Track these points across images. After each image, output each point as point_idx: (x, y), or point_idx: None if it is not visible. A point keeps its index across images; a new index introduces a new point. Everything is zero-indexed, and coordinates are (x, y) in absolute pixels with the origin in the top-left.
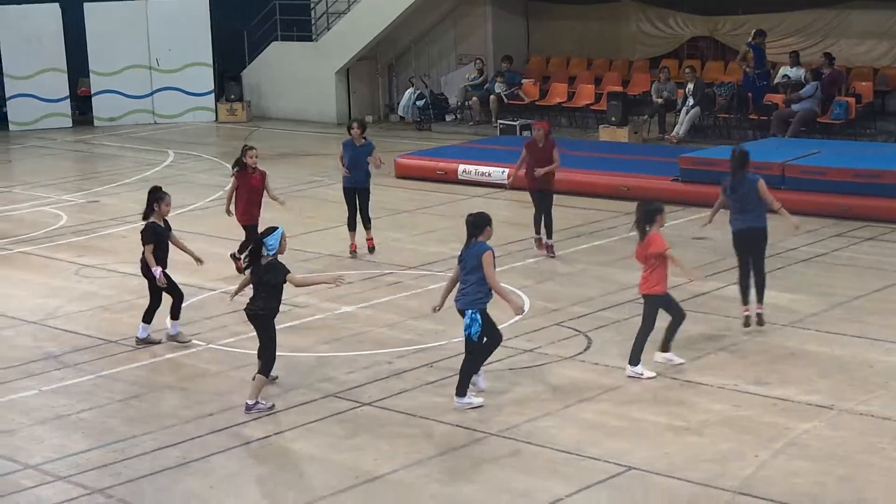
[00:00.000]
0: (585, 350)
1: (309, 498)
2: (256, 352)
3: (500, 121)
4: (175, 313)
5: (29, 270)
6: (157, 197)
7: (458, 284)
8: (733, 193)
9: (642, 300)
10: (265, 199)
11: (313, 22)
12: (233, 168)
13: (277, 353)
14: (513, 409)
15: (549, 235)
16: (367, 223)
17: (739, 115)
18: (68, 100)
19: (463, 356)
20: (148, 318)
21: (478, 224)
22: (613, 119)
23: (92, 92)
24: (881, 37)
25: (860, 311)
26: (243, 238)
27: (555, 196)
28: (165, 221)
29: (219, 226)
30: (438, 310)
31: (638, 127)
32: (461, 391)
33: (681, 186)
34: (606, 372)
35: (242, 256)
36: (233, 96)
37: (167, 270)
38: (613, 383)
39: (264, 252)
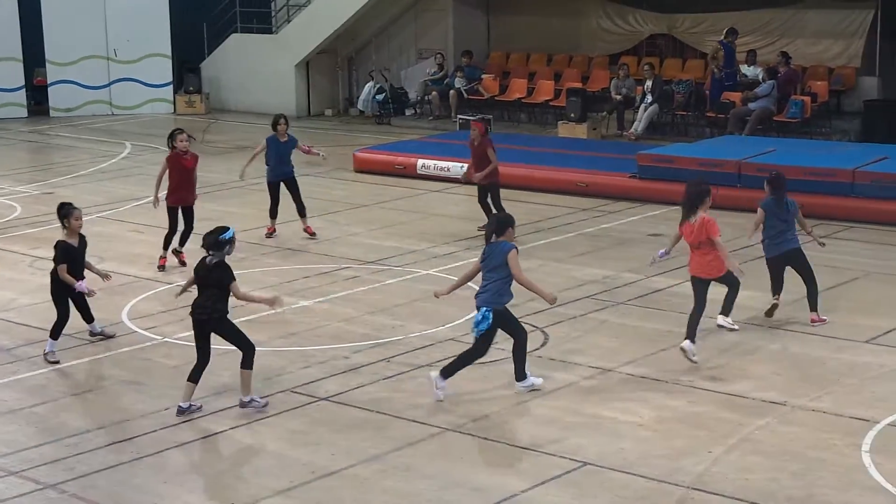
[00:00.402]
0: (542, 346)
1: (265, 493)
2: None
3: (459, 116)
4: (55, 333)
5: None
6: (65, 213)
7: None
8: (778, 215)
9: (695, 282)
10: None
11: (273, 14)
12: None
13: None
14: (469, 405)
15: None
16: (302, 211)
17: (697, 112)
18: (24, 90)
19: (468, 348)
20: (55, 334)
21: (501, 224)
22: (572, 115)
23: (48, 82)
24: (836, 37)
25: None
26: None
27: (511, 191)
28: (81, 236)
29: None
30: (439, 297)
31: (596, 123)
32: (451, 370)
33: (638, 183)
34: (562, 367)
35: (184, 250)
36: (191, 88)
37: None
38: (569, 379)
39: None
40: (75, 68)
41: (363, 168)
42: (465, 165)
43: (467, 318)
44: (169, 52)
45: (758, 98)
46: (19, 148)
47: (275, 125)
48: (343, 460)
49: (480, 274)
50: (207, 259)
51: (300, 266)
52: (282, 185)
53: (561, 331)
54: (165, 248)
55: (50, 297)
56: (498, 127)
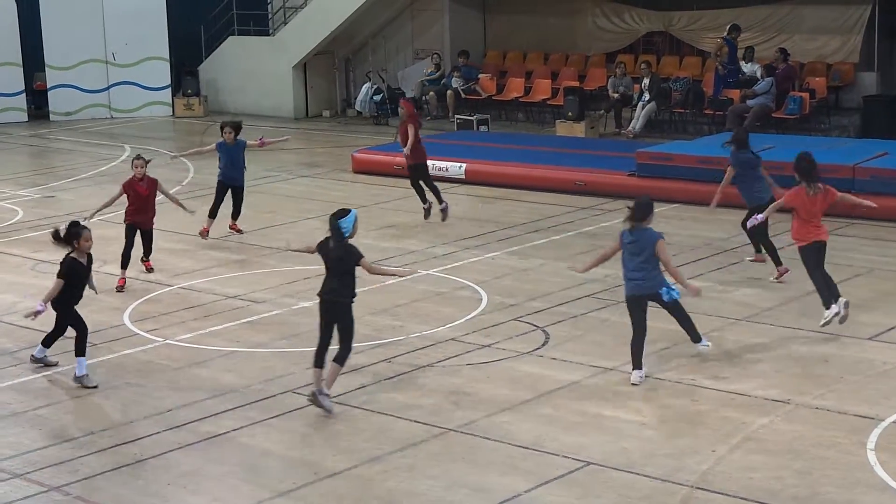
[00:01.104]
0: (543, 345)
1: (267, 494)
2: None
3: (457, 116)
4: (80, 349)
5: None
6: (75, 234)
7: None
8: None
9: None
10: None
11: (270, 16)
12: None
13: (236, 349)
14: (471, 405)
15: (440, 198)
16: (237, 214)
17: (695, 109)
18: (24, 94)
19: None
20: (47, 342)
21: (646, 209)
22: (570, 114)
23: (48, 86)
24: (834, 32)
25: (816, 306)
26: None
27: (509, 190)
28: (89, 255)
29: (174, 221)
30: (580, 272)
31: (594, 122)
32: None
33: (637, 181)
34: (564, 367)
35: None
36: (189, 91)
37: (78, 306)
38: (571, 378)
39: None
40: (74, 72)
41: (362, 169)
42: (464, 165)
43: (467, 318)
44: (167, 56)
45: (756, 95)
46: (20, 152)
47: (221, 130)
48: (346, 461)
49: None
50: (331, 243)
51: (301, 267)
52: (230, 191)
53: (562, 330)
54: (123, 266)
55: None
56: (496, 126)
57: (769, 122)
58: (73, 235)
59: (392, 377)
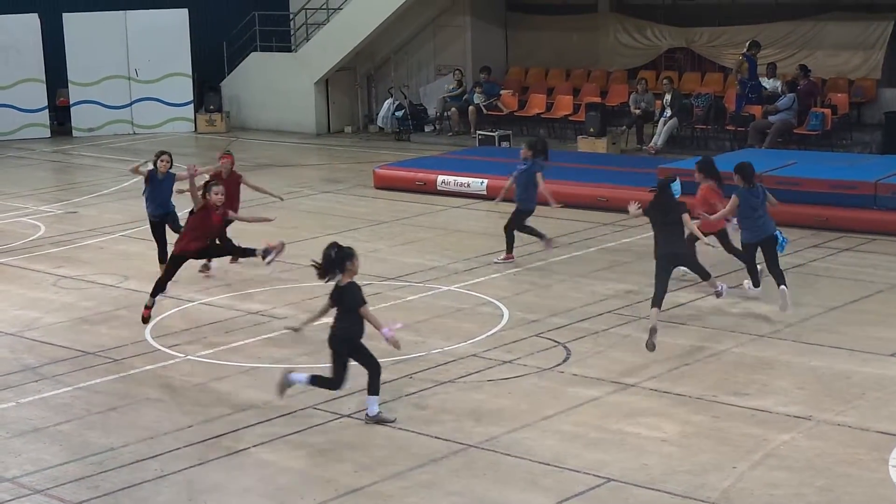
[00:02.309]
0: (564, 361)
1: None
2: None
3: (478, 132)
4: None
5: (6, 282)
6: (347, 254)
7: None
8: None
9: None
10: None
11: (292, 33)
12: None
13: (257, 365)
14: (491, 421)
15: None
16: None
17: (716, 125)
18: (47, 110)
19: None
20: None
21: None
22: (592, 130)
23: (70, 102)
24: (856, 48)
25: (837, 321)
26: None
27: None
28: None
29: None
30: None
31: (616, 138)
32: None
33: None
34: (585, 383)
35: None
36: (212, 107)
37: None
38: (592, 394)
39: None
40: (97, 88)
41: (383, 185)
42: (485, 181)
43: (488, 334)
44: (189, 72)
45: (778, 111)
46: (43, 168)
47: (155, 161)
48: (366, 477)
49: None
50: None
51: (321, 283)
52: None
53: (584, 346)
54: (155, 294)
55: (74, 317)
56: (518, 142)
57: (791, 139)
58: (346, 257)
59: (413, 393)
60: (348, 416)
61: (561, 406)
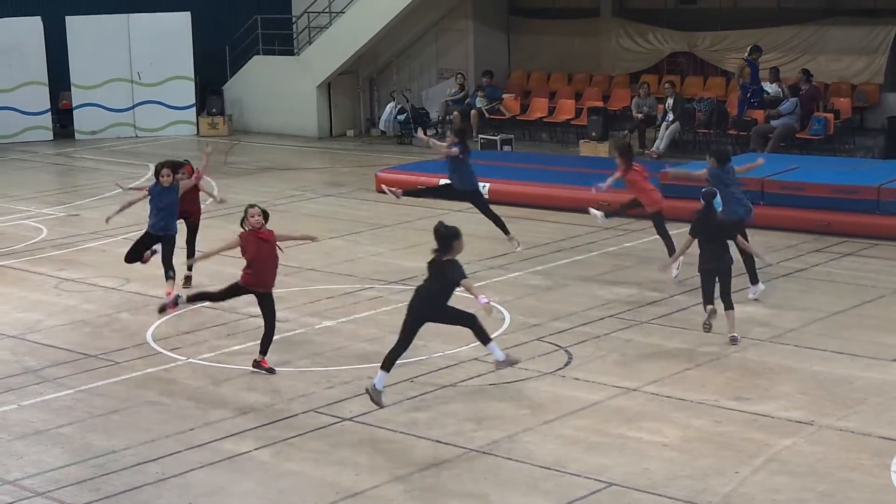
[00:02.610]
0: (566, 365)
1: None
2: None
3: (481, 135)
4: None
5: (8, 284)
6: (453, 234)
7: None
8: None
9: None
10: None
11: (295, 36)
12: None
13: (256, 368)
14: (493, 425)
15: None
16: (170, 272)
17: (719, 130)
18: (49, 113)
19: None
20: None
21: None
22: (594, 134)
23: (73, 105)
24: (859, 53)
25: (839, 326)
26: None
27: (533, 210)
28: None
29: (201, 239)
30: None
31: (618, 142)
32: None
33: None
34: (587, 387)
35: None
36: (214, 110)
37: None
38: (594, 399)
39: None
40: (100, 91)
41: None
42: (487, 185)
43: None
44: (192, 75)
45: (780, 115)
46: (45, 170)
47: (156, 173)
48: (367, 481)
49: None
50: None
51: (323, 286)
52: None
53: (585, 350)
54: (196, 300)
55: (76, 319)
56: (519, 146)
57: (793, 143)
58: (451, 236)
59: (415, 396)
60: (350, 419)
61: (562, 410)
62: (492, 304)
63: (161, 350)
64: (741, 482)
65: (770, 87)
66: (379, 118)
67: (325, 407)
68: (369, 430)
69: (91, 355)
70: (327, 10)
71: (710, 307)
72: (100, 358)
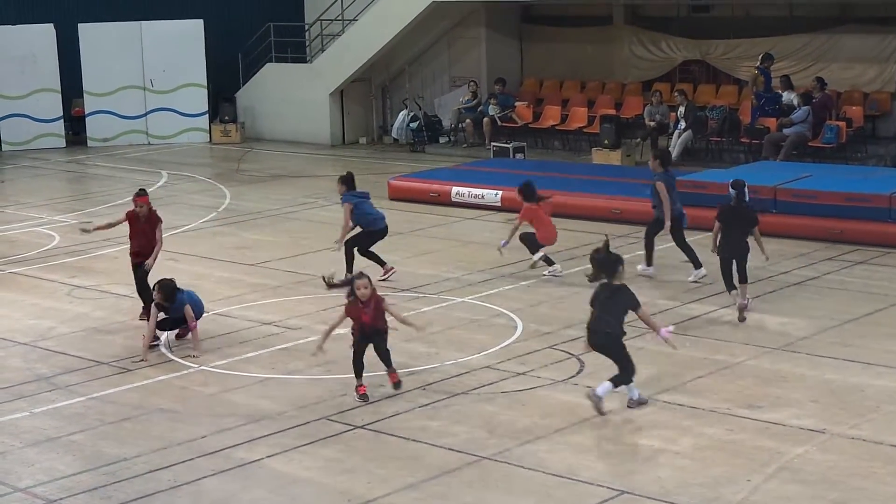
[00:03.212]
0: (578, 373)
1: None
2: None
3: (493, 143)
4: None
5: (21, 291)
6: (616, 260)
7: None
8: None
9: None
10: None
11: (308, 44)
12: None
13: (270, 376)
14: (505, 433)
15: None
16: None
17: (731, 138)
18: (62, 120)
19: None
20: None
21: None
22: (606, 142)
23: (85, 112)
24: (872, 61)
25: (851, 334)
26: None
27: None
28: None
29: (214, 247)
30: None
31: (630, 150)
32: None
33: None
34: None
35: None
36: (227, 117)
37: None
38: (606, 407)
39: None
40: (112, 98)
41: (398, 196)
42: (500, 192)
43: (502, 345)
44: (204, 82)
45: (793, 124)
46: (57, 178)
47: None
48: (379, 488)
49: None
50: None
51: (335, 294)
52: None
53: (597, 358)
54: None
55: (88, 327)
56: (532, 154)
57: (805, 151)
58: (615, 262)
59: (426, 404)
60: (362, 427)
61: (574, 418)
62: (672, 336)
63: (174, 357)
64: (753, 490)
65: (782, 95)
66: (391, 126)
67: (337, 414)
68: (381, 438)
69: (103, 362)
70: (340, 17)
71: (733, 291)
72: (111, 365)
